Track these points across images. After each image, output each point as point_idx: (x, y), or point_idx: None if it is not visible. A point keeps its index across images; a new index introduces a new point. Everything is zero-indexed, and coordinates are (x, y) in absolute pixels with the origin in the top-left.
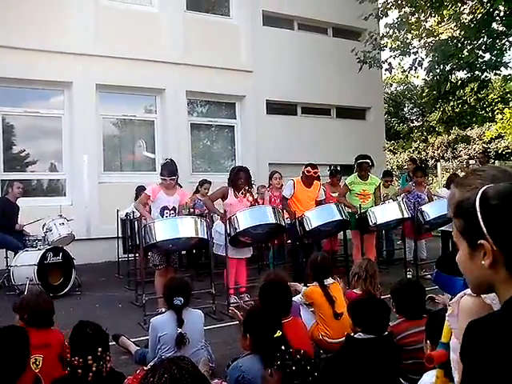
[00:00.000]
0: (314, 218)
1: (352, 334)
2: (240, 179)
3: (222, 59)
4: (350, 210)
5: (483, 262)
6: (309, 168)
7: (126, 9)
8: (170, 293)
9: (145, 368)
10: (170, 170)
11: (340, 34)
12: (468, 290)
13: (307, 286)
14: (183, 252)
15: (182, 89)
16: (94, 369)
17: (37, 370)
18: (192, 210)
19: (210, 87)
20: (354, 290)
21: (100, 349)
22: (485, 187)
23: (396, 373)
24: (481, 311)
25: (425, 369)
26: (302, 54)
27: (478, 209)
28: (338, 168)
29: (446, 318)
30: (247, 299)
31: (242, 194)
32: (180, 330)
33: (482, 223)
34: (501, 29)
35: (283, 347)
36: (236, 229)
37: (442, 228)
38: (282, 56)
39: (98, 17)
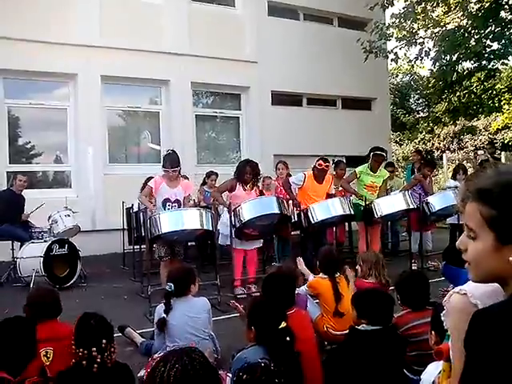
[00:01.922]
0: (320, 210)
1: (356, 326)
2: (247, 173)
3: (226, 50)
4: (354, 200)
5: (511, 258)
6: (321, 161)
7: (131, 0)
8: (167, 279)
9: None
10: (172, 161)
11: (345, 24)
12: (457, 288)
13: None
14: (190, 243)
15: (187, 80)
16: (98, 360)
17: (48, 363)
18: (198, 202)
19: (214, 78)
20: (366, 280)
21: (104, 340)
22: None
23: (400, 364)
24: (467, 309)
25: (429, 360)
26: (307, 45)
27: None
28: (344, 160)
29: (442, 318)
30: (254, 290)
31: (250, 186)
32: (164, 316)
33: None
34: (509, 17)
35: (288, 338)
36: (241, 220)
37: (450, 221)
38: (288, 47)
39: (103, 8)
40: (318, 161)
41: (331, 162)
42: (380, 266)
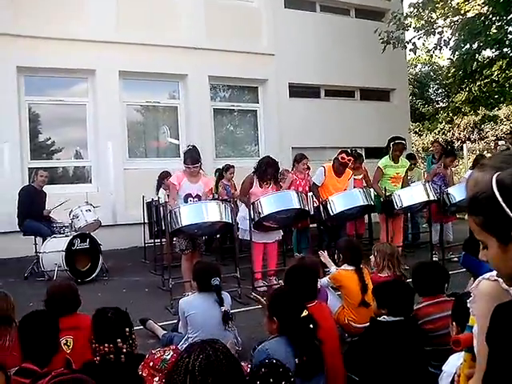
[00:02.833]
0: (339, 202)
1: (377, 317)
2: (267, 175)
3: (243, 43)
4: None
5: None
6: (343, 155)
7: None
8: (206, 274)
9: (161, 350)
10: (193, 158)
11: (363, 15)
12: (487, 274)
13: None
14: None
15: (205, 74)
16: (124, 350)
17: (68, 351)
18: (219, 196)
19: (232, 71)
20: (380, 274)
21: (127, 329)
22: (495, 175)
23: (421, 356)
24: (498, 296)
25: (448, 354)
26: (324, 36)
27: (499, 198)
28: (361, 151)
29: (468, 305)
30: (275, 282)
31: (267, 183)
32: (224, 308)
33: (509, 212)
34: None
35: (311, 326)
36: (260, 214)
37: None
38: (304, 38)
39: (120, 3)
40: (340, 153)
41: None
42: (394, 258)
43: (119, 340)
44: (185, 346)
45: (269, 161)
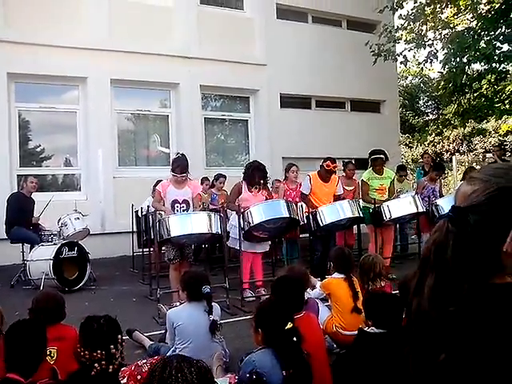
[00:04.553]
0: (328, 213)
1: (365, 328)
2: (255, 178)
3: (235, 53)
4: (366, 205)
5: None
6: (328, 162)
7: (140, 3)
8: (196, 283)
9: (139, 364)
10: (181, 166)
11: (354, 27)
12: None
13: (322, 280)
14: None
15: (196, 83)
16: (117, 356)
17: (52, 362)
18: (206, 205)
19: (223, 81)
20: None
21: (119, 336)
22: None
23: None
24: None
25: None
26: (316, 47)
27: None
28: (353, 161)
29: None
30: (263, 293)
31: (256, 188)
32: (212, 317)
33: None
34: None
35: (295, 339)
36: (250, 223)
37: None
38: (296, 49)
39: (112, 12)
40: (325, 161)
41: (341, 164)
42: (371, 272)
43: (112, 346)
44: None
45: (256, 165)
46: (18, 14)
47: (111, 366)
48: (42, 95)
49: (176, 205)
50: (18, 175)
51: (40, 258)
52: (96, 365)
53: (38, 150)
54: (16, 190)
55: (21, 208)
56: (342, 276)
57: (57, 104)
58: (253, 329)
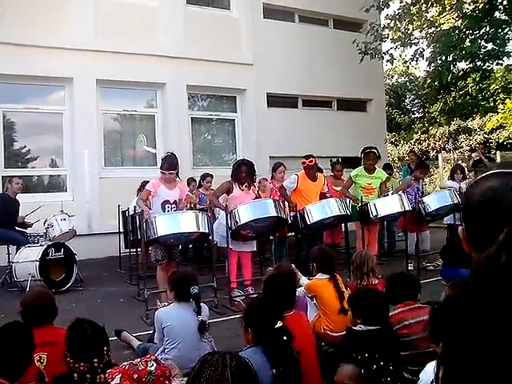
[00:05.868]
0: (316, 211)
1: (352, 327)
2: (242, 173)
3: (222, 53)
4: (353, 203)
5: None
6: (303, 159)
7: (126, 3)
8: (184, 283)
9: (133, 362)
10: (169, 163)
11: (341, 26)
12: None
13: (310, 279)
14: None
15: (183, 83)
16: (99, 370)
17: (41, 368)
18: (193, 206)
19: (210, 81)
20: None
21: (105, 348)
22: None
23: (397, 365)
24: None
25: (424, 359)
26: (302, 47)
27: None
28: (339, 160)
29: None
30: (251, 292)
31: (246, 186)
32: (201, 317)
33: None
34: (504, 18)
35: (285, 338)
36: (237, 222)
37: (447, 221)
38: (283, 49)
39: (98, 12)
40: (302, 160)
41: (328, 163)
42: (364, 268)
43: (95, 360)
44: (160, 357)
45: (243, 161)
46: (3, 15)
47: (98, 376)
48: (28, 96)
49: (167, 205)
50: (2, 176)
51: (26, 260)
52: (75, 375)
53: (24, 151)
54: (1, 192)
55: (6, 209)
56: (327, 276)
57: (42, 105)
58: (242, 328)
